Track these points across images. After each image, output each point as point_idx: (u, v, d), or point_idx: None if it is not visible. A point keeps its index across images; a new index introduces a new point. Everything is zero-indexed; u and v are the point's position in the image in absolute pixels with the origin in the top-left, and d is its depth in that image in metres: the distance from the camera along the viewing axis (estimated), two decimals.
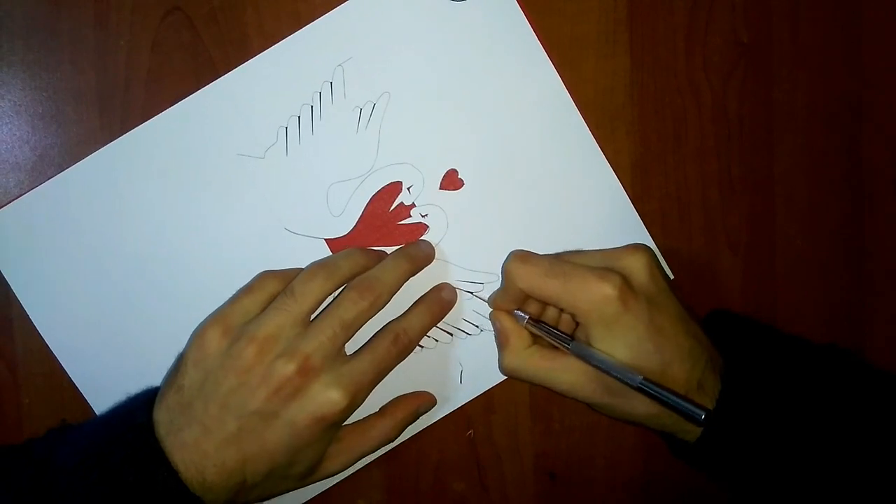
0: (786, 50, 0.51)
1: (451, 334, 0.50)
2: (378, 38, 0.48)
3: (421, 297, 0.48)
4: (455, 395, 0.50)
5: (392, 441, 0.48)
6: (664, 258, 0.50)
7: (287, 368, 0.42)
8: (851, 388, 0.45)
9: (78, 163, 0.47)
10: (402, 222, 0.49)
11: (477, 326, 0.50)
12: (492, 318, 0.49)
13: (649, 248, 0.45)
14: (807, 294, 0.52)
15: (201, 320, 0.45)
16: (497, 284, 0.49)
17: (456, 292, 0.49)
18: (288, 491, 0.46)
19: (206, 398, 0.42)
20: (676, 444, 0.46)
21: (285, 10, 0.48)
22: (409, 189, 0.49)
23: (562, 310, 0.46)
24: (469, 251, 0.50)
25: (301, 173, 0.48)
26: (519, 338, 0.47)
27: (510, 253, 0.47)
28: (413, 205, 0.49)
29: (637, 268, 0.44)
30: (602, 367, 0.43)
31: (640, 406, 0.43)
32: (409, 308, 0.48)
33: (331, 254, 0.49)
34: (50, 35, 0.47)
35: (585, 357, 0.44)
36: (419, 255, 0.48)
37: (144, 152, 0.48)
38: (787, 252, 0.51)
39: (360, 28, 0.48)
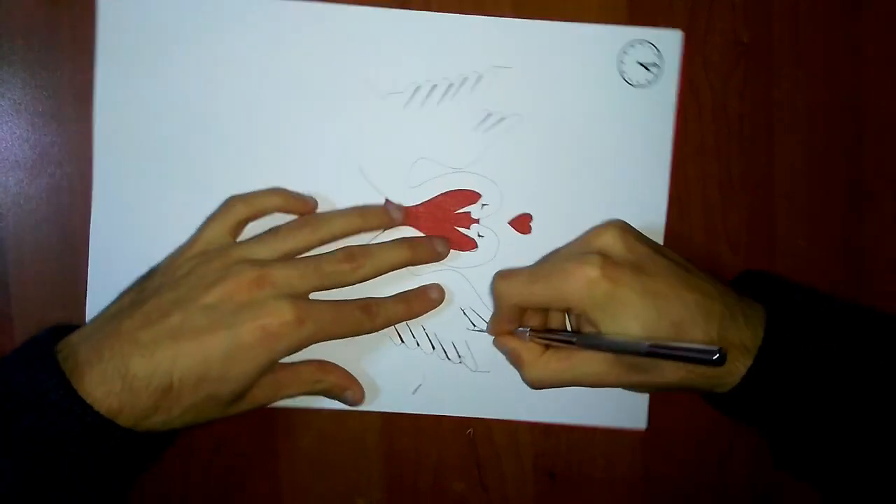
0: (786, 50, 0.51)
1: (434, 347, 0.50)
2: (543, 68, 0.49)
3: (411, 289, 0.48)
4: (401, 399, 0.50)
5: (309, 394, 0.47)
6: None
7: (247, 273, 0.41)
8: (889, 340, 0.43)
9: None
10: (458, 229, 0.49)
11: (459, 357, 0.50)
12: (496, 345, 0.49)
13: (620, 220, 0.45)
14: None
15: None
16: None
17: (444, 296, 0.49)
18: (211, 419, 0.43)
19: (160, 293, 0.42)
20: (720, 401, 0.45)
21: None
22: (482, 205, 0.49)
23: (565, 310, 0.46)
24: None
25: (404, 131, 0.49)
26: (530, 352, 0.46)
27: (493, 277, 0.47)
28: (477, 220, 0.50)
29: (611, 242, 0.44)
30: (612, 349, 0.43)
31: (669, 373, 0.42)
32: (395, 294, 0.48)
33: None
34: (50, 34, 0.47)
35: (593, 345, 0.43)
36: (423, 250, 0.48)
37: (292, 25, 0.48)
38: (787, 252, 0.51)
39: (536, 48, 0.49)
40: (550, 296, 0.44)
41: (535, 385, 0.47)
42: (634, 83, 0.49)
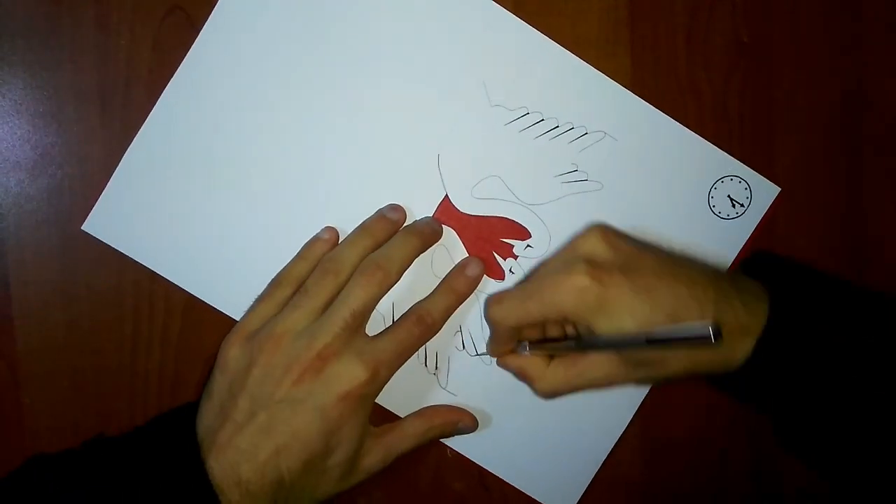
0: (786, 49, 0.51)
1: (417, 358, 0.50)
2: (644, 158, 0.50)
3: (445, 276, 0.48)
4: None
5: (424, 443, 0.48)
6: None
7: (307, 354, 0.42)
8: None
9: None
10: (496, 255, 0.50)
11: (436, 368, 0.50)
12: (501, 366, 0.49)
13: (600, 224, 0.46)
14: None
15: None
16: (486, 367, 0.50)
17: (482, 267, 0.49)
18: (331, 493, 0.45)
19: (234, 396, 0.43)
20: (725, 384, 0.45)
21: None
22: (527, 246, 0.50)
23: (562, 321, 0.46)
24: None
25: (495, 144, 0.49)
26: (536, 366, 0.47)
27: (484, 302, 0.48)
28: (516, 256, 0.50)
29: (595, 245, 0.44)
30: (611, 346, 0.43)
31: (674, 362, 0.42)
32: (434, 289, 0.48)
33: (436, 207, 0.49)
34: (51, 34, 0.47)
35: (594, 346, 0.43)
36: (427, 230, 0.48)
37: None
38: (787, 251, 0.51)
39: (647, 137, 0.49)
40: (545, 311, 0.44)
41: (550, 396, 0.47)
42: (718, 213, 0.50)
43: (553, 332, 0.47)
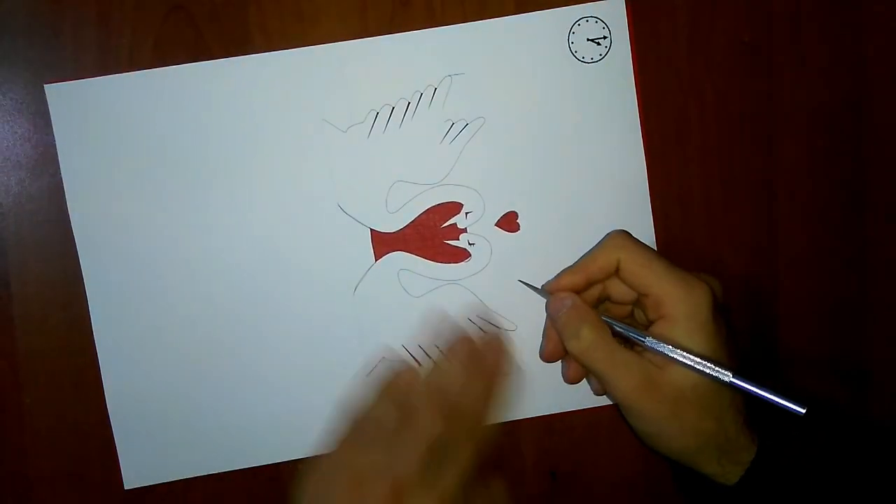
0: (788, 49, 0.51)
1: None
2: (495, 66, 0.49)
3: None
4: None
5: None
6: (666, 258, 0.50)
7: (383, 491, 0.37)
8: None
9: (170, 67, 0.48)
10: (448, 242, 0.49)
11: None
12: (556, 299, 0.46)
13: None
14: (808, 293, 0.52)
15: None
16: (513, 333, 0.50)
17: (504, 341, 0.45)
18: None
19: None
20: (706, 488, 0.46)
21: (288, 8, 0.48)
22: (466, 214, 0.49)
23: (634, 302, 0.46)
24: (499, 294, 0.50)
25: (373, 159, 0.49)
26: (598, 319, 0.45)
27: (612, 231, 0.48)
28: (464, 230, 0.50)
29: (717, 288, 0.45)
30: (688, 362, 0.43)
31: (690, 439, 0.43)
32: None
33: (371, 245, 0.49)
34: (52, 33, 0.47)
35: (669, 352, 0.43)
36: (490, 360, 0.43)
37: (239, 81, 0.48)
38: (788, 251, 0.51)
39: (483, 49, 0.49)
40: (659, 286, 0.44)
41: (579, 348, 0.45)
42: (588, 60, 0.49)
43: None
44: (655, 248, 0.50)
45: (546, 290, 0.48)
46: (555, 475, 0.52)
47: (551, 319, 0.47)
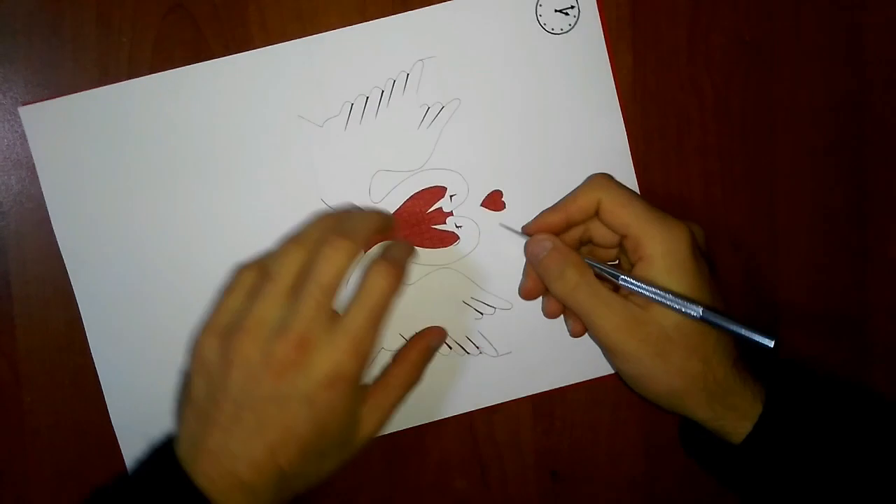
0: (788, 48, 0.51)
1: (451, 348, 0.50)
2: (466, 47, 0.49)
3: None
4: (435, 406, 0.50)
5: (415, 383, 0.46)
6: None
7: (284, 348, 0.40)
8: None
9: (142, 77, 0.48)
10: (436, 226, 0.49)
11: (478, 348, 0.50)
12: (535, 241, 0.47)
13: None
14: (808, 292, 0.52)
15: (216, 261, 0.46)
16: (510, 312, 0.50)
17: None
18: (338, 466, 0.44)
19: (216, 400, 0.41)
20: (723, 465, 0.46)
21: (288, 7, 0.48)
22: (451, 197, 0.49)
23: (618, 246, 0.47)
24: (490, 273, 0.50)
25: (353, 151, 0.49)
26: (580, 260, 0.45)
27: (591, 175, 0.48)
28: (451, 213, 0.50)
29: (697, 231, 0.45)
30: (658, 298, 0.43)
31: (676, 380, 0.43)
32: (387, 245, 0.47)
33: None
34: (52, 33, 0.47)
35: (639, 288, 0.43)
36: (384, 213, 0.48)
37: (211, 85, 0.48)
38: (788, 251, 0.51)
39: (452, 30, 0.49)
40: (638, 226, 0.44)
41: (562, 290, 0.45)
42: (558, 31, 0.49)
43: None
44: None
45: (525, 232, 0.48)
46: (555, 474, 0.52)
47: (531, 261, 0.47)
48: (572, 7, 0.49)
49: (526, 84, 0.49)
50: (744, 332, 0.42)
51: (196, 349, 0.43)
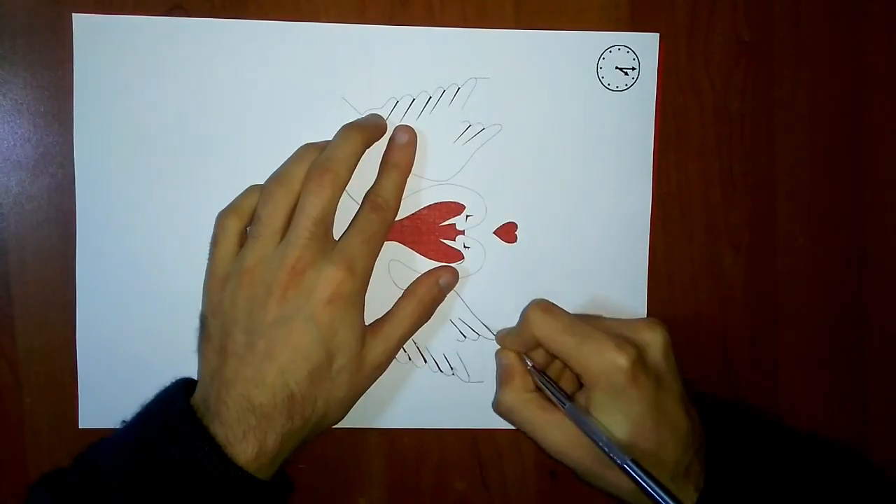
0: (787, 49, 0.51)
1: (426, 360, 0.50)
2: (521, 77, 0.49)
3: (383, 156, 0.48)
4: (401, 415, 0.50)
5: (422, 319, 0.48)
6: (666, 258, 0.50)
7: (282, 273, 0.43)
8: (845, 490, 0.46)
9: (204, 18, 0.48)
10: (444, 241, 0.49)
11: (452, 369, 0.50)
12: (498, 354, 0.49)
13: (666, 326, 0.46)
14: (808, 293, 0.52)
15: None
16: (492, 343, 0.50)
17: (413, 131, 0.48)
18: (347, 398, 0.45)
19: (229, 333, 0.43)
20: None
21: (287, 8, 0.48)
22: (467, 217, 0.50)
23: (568, 368, 0.46)
24: (484, 301, 0.50)
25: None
26: (522, 380, 0.47)
27: (533, 301, 0.48)
28: (462, 232, 0.50)
29: (654, 344, 0.45)
30: (593, 438, 0.43)
31: (625, 483, 0.43)
32: (378, 172, 0.48)
33: None
34: (52, 33, 0.47)
35: (579, 422, 0.44)
36: (369, 125, 0.48)
37: (267, 43, 0.48)
38: (788, 251, 0.51)
39: (512, 58, 0.49)
40: (574, 356, 0.44)
41: (503, 410, 0.47)
42: (613, 88, 0.49)
43: (555, 367, 0.48)
44: (646, 286, 0.51)
45: (497, 340, 0.50)
46: (555, 474, 0.52)
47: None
48: (633, 69, 0.49)
49: (569, 129, 0.49)
50: (658, 495, 0.41)
51: (208, 296, 0.46)
